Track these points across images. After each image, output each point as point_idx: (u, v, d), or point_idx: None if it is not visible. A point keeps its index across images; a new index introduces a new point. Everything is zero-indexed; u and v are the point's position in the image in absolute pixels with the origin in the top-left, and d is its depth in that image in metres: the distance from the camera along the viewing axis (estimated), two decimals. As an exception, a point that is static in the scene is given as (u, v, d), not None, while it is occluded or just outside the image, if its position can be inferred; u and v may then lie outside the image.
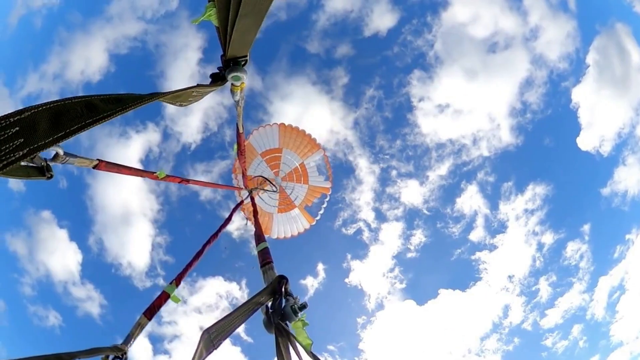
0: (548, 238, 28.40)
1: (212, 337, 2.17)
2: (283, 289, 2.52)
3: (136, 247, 27.54)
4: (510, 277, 28.58)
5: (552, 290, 28.16)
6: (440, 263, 30.42)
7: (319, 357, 2.09)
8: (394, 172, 28.56)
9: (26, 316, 25.84)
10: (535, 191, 28.28)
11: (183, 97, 2.15)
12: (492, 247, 28.57)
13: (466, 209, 28.71)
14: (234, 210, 7.64)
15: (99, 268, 27.36)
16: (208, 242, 5.37)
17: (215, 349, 2.15)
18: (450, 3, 28.26)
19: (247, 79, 2.45)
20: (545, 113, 28.28)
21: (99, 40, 27.22)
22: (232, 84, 2.58)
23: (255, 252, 3.90)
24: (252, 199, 8.19)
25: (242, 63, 2.32)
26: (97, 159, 3.38)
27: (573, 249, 28.10)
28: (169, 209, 28.12)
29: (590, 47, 27.39)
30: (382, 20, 28.12)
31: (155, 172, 4.62)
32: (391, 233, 28.71)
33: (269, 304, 2.44)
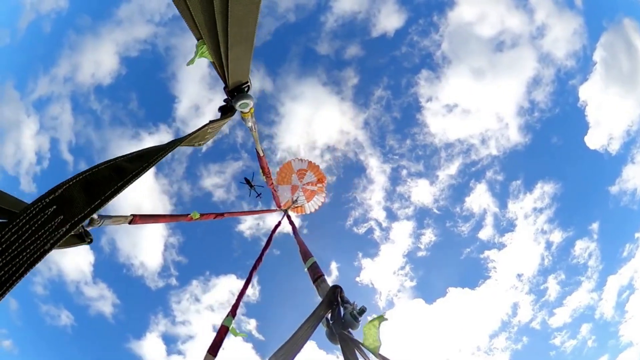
0: (556, 236, 28.12)
1: None
2: (339, 298, 2.51)
3: (148, 247, 28.31)
4: (519, 275, 28.40)
5: (561, 288, 27.80)
6: (450, 262, 30.67)
7: (388, 358, 2.07)
8: (404, 172, 28.78)
9: (38, 315, 26.51)
10: (544, 190, 28.10)
11: (200, 136, 2.20)
12: (501, 246, 28.61)
13: (475, 208, 28.92)
14: (273, 232, 7.70)
15: (111, 268, 28.11)
16: (254, 267, 5.43)
17: None
18: (456, 3, 28.45)
19: (255, 100, 2.50)
20: (553, 112, 28.15)
21: (109, 43, 28.17)
22: (241, 112, 2.63)
23: (305, 270, 3.91)
24: (289, 217, 8.23)
25: (246, 89, 2.36)
26: (131, 215, 3.48)
27: (582, 247, 27.67)
28: (182, 209, 28.66)
29: (597, 44, 26.86)
30: (389, 20, 28.45)
31: (189, 214, 4.73)
32: (402, 232, 29.13)
33: (329, 315, 2.44)
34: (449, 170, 29.45)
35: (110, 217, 3.07)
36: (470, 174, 29.35)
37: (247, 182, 9.98)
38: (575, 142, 28.09)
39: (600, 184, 27.83)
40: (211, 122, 2.22)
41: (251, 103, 2.41)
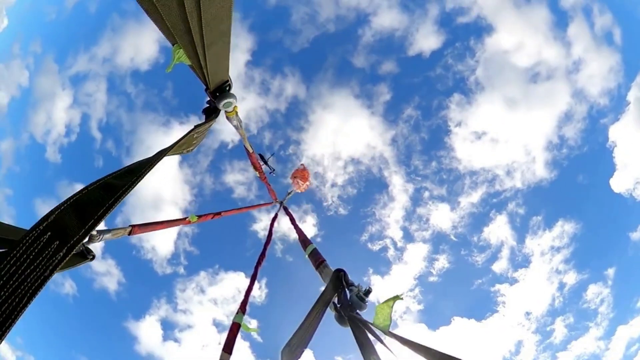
0: (570, 278, 27.54)
1: (292, 350, 2.21)
2: (344, 281, 2.53)
3: (162, 233, 28.18)
4: (527, 313, 27.86)
5: (568, 332, 27.11)
6: (460, 290, 30.49)
7: (400, 335, 2.10)
8: (426, 194, 28.54)
9: (43, 282, 27.36)
10: (564, 228, 27.62)
11: (187, 143, 2.19)
12: (513, 281, 28.24)
13: (493, 239, 28.68)
14: (271, 225, 7.70)
15: (122, 247, 29.21)
16: (258, 263, 5.45)
17: (298, 359, 2.18)
18: (495, 29, 28.10)
19: (239, 103, 2.47)
20: (581, 150, 27.60)
21: (150, 30, 28.80)
22: (225, 112, 2.61)
23: (307, 256, 3.92)
24: (286, 208, 8.21)
25: (227, 88, 2.34)
26: (130, 225, 3.47)
27: (594, 292, 26.98)
28: (201, 201, 28.94)
29: (632, 84, 25.94)
30: (427, 41, 28.22)
31: (187, 218, 4.72)
32: (416, 254, 29.06)
33: (335, 300, 2.46)
34: (471, 198, 29.33)
35: (109, 230, 3.05)
36: (492, 205, 29.22)
37: (261, 157, 10.22)
38: (601, 183, 27.55)
39: (621, 229, 27.09)
40: (196, 127, 2.21)
41: (234, 102, 2.39)
